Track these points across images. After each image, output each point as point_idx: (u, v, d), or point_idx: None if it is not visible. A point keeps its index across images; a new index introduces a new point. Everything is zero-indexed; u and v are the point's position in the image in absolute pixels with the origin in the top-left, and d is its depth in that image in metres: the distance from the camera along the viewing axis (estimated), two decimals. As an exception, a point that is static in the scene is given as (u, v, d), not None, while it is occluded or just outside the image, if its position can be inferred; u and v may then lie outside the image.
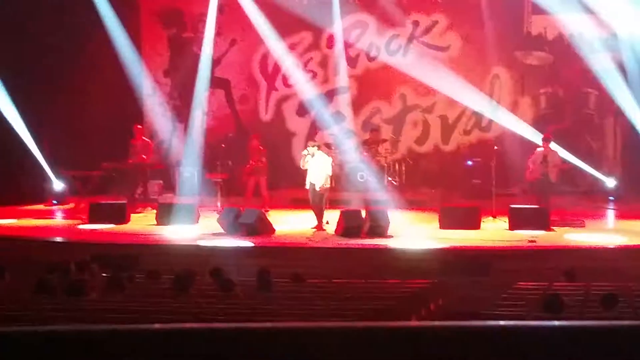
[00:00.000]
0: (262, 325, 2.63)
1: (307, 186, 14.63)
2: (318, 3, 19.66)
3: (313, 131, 19.92)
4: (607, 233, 14.38)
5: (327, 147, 14.85)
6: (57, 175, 18.25)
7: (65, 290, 8.74)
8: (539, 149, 15.46)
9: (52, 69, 18.67)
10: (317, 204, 14.69)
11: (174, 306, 8.18)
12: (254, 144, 17.38)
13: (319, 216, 14.72)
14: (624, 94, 17.90)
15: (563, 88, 19.32)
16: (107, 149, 18.08)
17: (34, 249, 13.54)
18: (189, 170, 18.68)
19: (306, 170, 14.61)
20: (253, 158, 17.20)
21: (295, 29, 19.87)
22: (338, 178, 17.20)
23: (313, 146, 14.73)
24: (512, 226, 14.50)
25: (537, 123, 19.12)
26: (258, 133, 18.10)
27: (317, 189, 14.52)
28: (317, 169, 14.50)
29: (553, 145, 15.58)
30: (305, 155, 14.54)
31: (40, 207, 18.00)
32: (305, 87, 19.95)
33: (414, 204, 17.60)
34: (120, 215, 15.54)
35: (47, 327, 2.63)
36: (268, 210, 16.24)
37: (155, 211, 15.91)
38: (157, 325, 2.69)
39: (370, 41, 19.74)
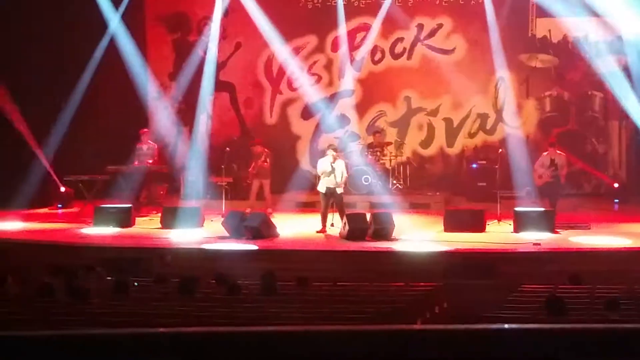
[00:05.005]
0: (267, 329, 2.63)
1: (324, 190, 14.56)
2: (323, 6, 19.68)
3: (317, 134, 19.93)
4: (612, 236, 14.34)
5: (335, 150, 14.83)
6: (62, 179, 18.24)
7: (70, 294, 8.75)
8: (545, 153, 15.55)
9: (57, 73, 18.68)
10: (337, 206, 14.69)
11: (179, 310, 8.19)
12: (256, 147, 17.30)
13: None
14: (629, 97, 17.85)
15: (568, 91, 19.28)
16: (112, 152, 18.08)
17: (38, 252, 13.54)
18: (194, 174, 18.68)
19: (320, 175, 14.59)
20: (255, 161, 17.15)
21: (300, 32, 19.88)
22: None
23: (333, 151, 14.73)
24: (517, 229, 14.47)
25: (542, 126, 19.12)
26: (260, 137, 18.10)
27: (339, 192, 14.55)
28: (337, 173, 14.50)
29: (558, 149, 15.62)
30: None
31: (46, 210, 18.00)
32: (310, 91, 19.93)
33: (419, 207, 17.57)
34: (125, 219, 15.54)
35: (51, 331, 2.63)
36: (271, 213, 16.22)
37: (160, 215, 15.90)
38: (161, 330, 2.69)
39: (374, 44, 19.73)
